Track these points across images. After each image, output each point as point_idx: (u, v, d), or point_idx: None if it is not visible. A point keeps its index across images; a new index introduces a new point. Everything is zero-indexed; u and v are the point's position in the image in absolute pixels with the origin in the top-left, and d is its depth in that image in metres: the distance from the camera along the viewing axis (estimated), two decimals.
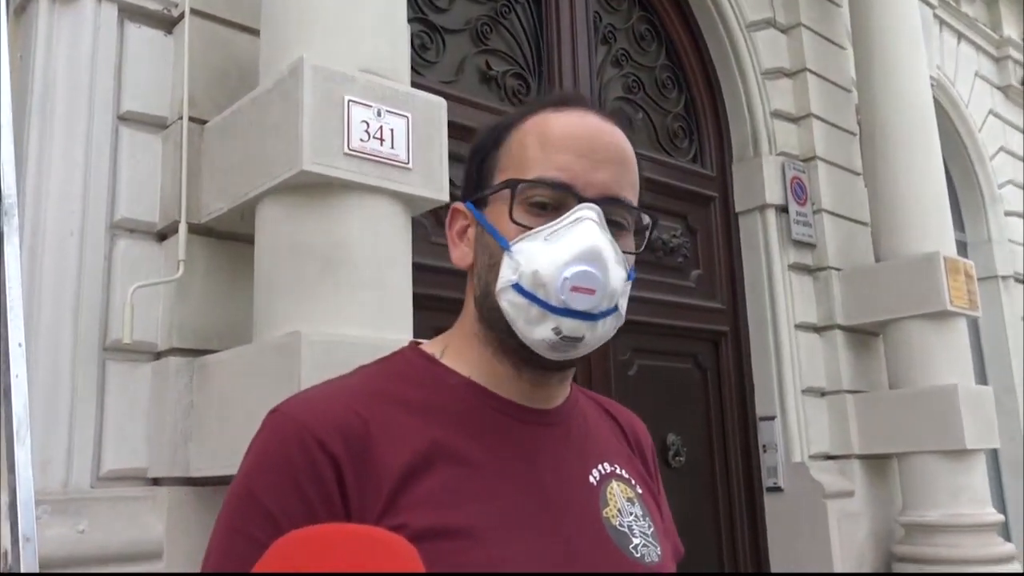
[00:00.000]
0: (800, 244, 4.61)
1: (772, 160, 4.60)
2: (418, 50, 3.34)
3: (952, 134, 6.36)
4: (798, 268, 4.61)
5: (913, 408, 4.32)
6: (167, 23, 2.56)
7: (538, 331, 0.85)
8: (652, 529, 0.94)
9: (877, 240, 4.74)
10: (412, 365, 0.93)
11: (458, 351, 0.94)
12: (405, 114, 2.21)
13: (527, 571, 0.80)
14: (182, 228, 2.34)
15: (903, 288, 4.42)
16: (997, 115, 7.07)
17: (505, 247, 0.87)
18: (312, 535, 0.65)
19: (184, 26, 2.48)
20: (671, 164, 4.39)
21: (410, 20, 2.64)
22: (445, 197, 2.29)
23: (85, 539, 2.10)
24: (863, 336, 4.72)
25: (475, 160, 0.97)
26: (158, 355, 2.38)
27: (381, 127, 2.15)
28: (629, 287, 0.91)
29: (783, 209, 4.57)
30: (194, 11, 2.50)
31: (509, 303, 0.86)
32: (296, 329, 1.98)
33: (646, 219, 0.93)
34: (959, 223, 6.29)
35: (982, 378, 6.08)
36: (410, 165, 2.19)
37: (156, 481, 2.31)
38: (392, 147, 2.16)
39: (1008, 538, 5.02)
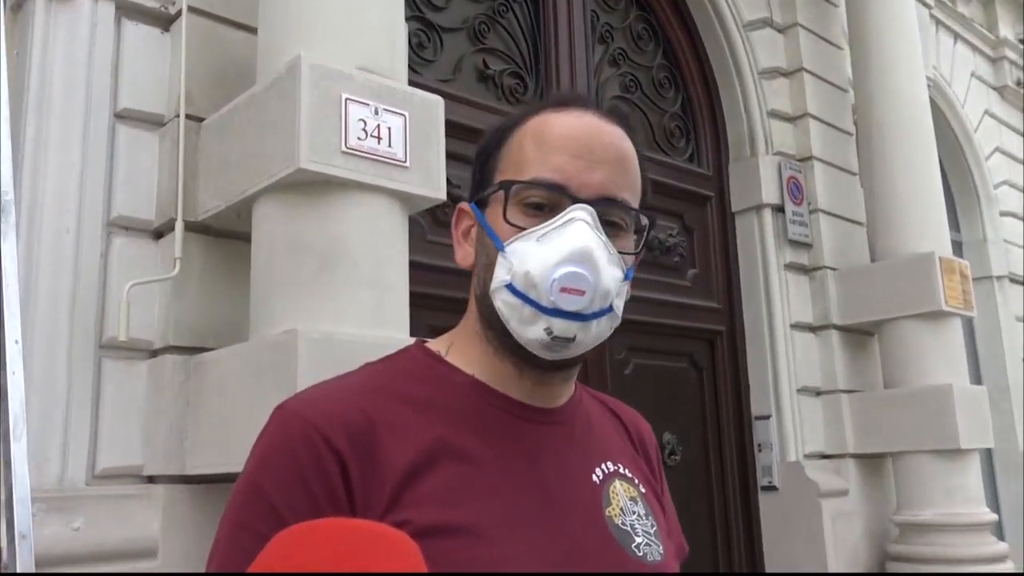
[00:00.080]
0: (796, 244, 4.62)
1: (768, 160, 4.61)
2: (415, 48, 3.34)
3: (948, 134, 6.37)
4: (794, 268, 4.62)
5: (908, 408, 4.33)
6: (164, 21, 2.55)
7: (531, 331, 0.86)
8: (655, 528, 0.94)
9: (873, 240, 4.75)
10: (417, 363, 0.94)
11: (462, 350, 0.94)
12: (403, 112, 2.21)
13: (529, 570, 0.80)
14: (178, 226, 2.34)
15: (898, 288, 4.43)
16: (993, 115, 7.08)
17: (500, 247, 0.88)
18: (312, 529, 0.65)
19: (181, 24, 2.48)
20: (668, 163, 4.39)
21: (407, 18, 2.65)
22: (442, 196, 2.29)
23: (80, 537, 2.10)
24: (858, 336, 4.74)
25: (479, 161, 0.98)
26: (154, 353, 2.37)
27: (378, 125, 2.15)
28: (627, 287, 0.91)
29: (779, 209, 4.58)
30: (191, 9, 2.50)
31: (503, 303, 0.87)
32: (293, 327, 1.98)
33: (644, 219, 0.93)
34: (954, 223, 6.31)
35: (977, 378, 6.09)
36: (407, 164, 2.19)
37: (151, 479, 2.31)
38: (389, 145, 2.16)
39: (1002, 537, 5.04)
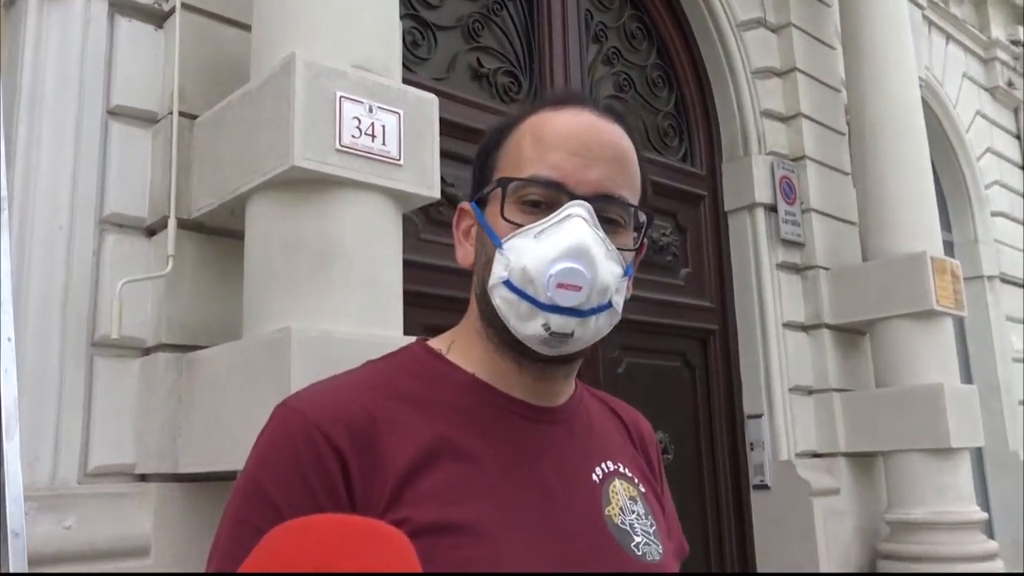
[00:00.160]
0: (789, 243, 4.63)
1: (761, 159, 4.62)
2: (409, 47, 3.34)
3: (940, 135, 6.40)
4: (786, 267, 4.63)
5: (899, 407, 4.35)
6: (157, 17, 2.54)
7: (529, 327, 0.86)
8: (654, 528, 0.94)
9: (865, 239, 4.77)
10: (419, 361, 0.94)
11: (464, 348, 0.94)
12: (397, 111, 2.21)
13: (528, 569, 0.80)
14: (171, 223, 2.33)
15: (890, 287, 4.45)
16: (984, 116, 7.12)
17: (497, 244, 0.88)
18: (306, 525, 0.65)
19: (175, 20, 2.47)
20: (661, 163, 4.40)
21: (402, 16, 2.64)
22: (436, 194, 2.29)
23: (72, 535, 2.09)
24: (850, 335, 4.75)
25: (479, 161, 0.98)
26: (146, 351, 2.37)
27: (373, 123, 2.15)
28: (626, 283, 0.91)
29: (772, 208, 4.59)
30: (184, 5, 2.49)
31: (501, 299, 0.87)
32: (286, 325, 1.98)
33: (642, 216, 0.93)
34: (946, 223, 6.33)
35: (967, 377, 6.13)
36: (401, 162, 2.19)
37: (144, 477, 2.30)
38: (384, 143, 2.16)
39: (992, 536, 5.06)
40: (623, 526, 0.90)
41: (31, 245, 2.22)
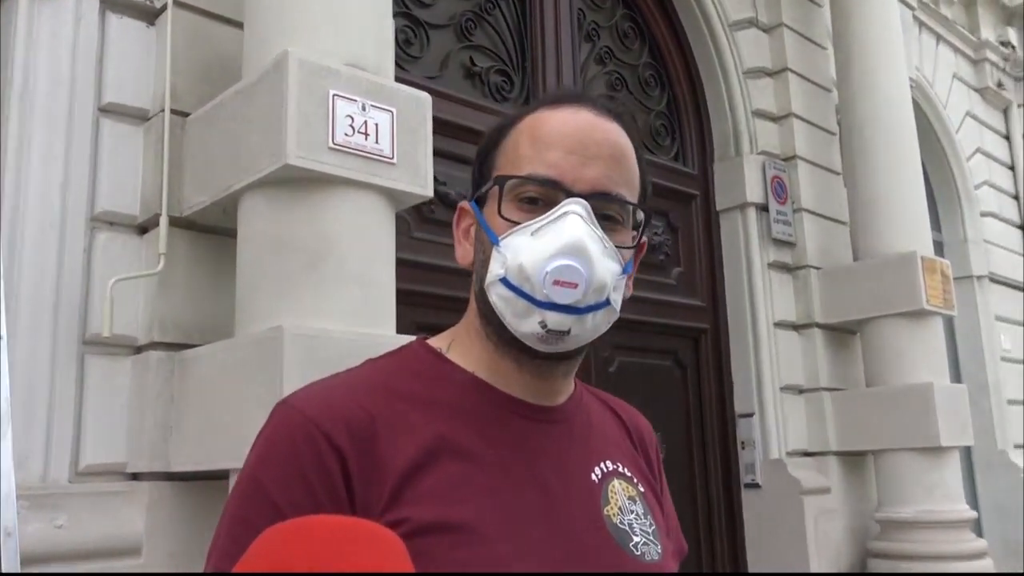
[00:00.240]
0: (780, 243, 4.65)
1: (753, 159, 4.64)
2: (402, 45, 3.34)
3: (930, 135, 6.43)
4: (778, 266, 4.64)
5: (889, 406, 4.37)
6: (149, 14, 2.53)
7: (525, 324, 0.86)
8: (653, 528, 0.94)
9: (855, 239, 4.79)
10: (419, 360, 0.94)
11: (463, 347, 0.94)
12: (390, 109, 2.21)
13: (527, 568, 0.80)
14: (163, 221, 2.32)
15: (881, 287, 4.47)
16: (974, 117, 7.15)
17: (494, 242, 0.88)
18: (299, 527, 0.65)
19: (166, 17, 2.46)
20: (653, 162, 4.40)
21: (394, 15, 2.64)
22: (429, 192, 2.29)
23: (63, 534, 2.09)
24: (841, 334, 4.77)
25: (478, 160, 0.98)
26: (138, 349, 2.36)
27: (366, 121, 2.15)
28: (625, 281, 0.91)
29: (763, 208, 4.61)
30: (176, 3, 2.48)
31: (498, 296, 0.87)
32: (279, 324, 1.97)
33: (640, 214, 0.93)
34: (935, 223, 6.36)
35: (957, 377, 6.15)
36: (394, 160, 2.19)
37: (135, 476, 2.30)
38: (376, 142, 2.16)
39: (980, 534, 5.09)
40: (622, 526, 0.90)
41: (22, 243, 2.21)
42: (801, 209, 4.76)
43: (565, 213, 0.85)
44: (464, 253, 0.97)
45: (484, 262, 0.90)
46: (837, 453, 4.57)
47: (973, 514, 4.37)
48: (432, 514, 0.78)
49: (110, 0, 2.47)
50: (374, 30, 2.31)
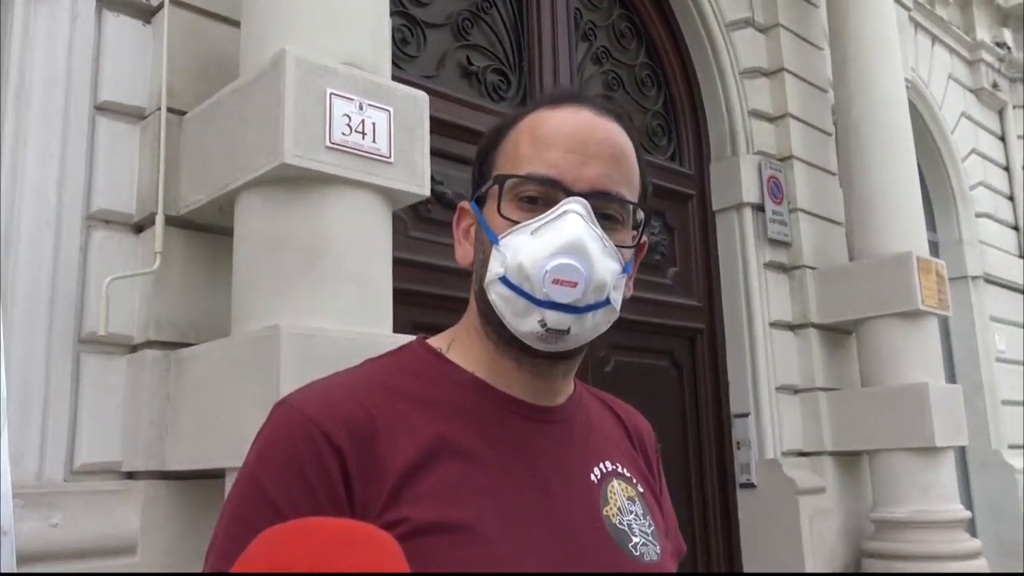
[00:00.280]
0: (776, 243, 4.65)
1: (749, 159, 4.64)
2: (399, 44, 3.33)
3: (925, 135, 6.44)
4: (773, 266, 4.65)
5: (884, 406, 4.38)
6: (146, 12, 2.53)
7: (525, 323, 0.86)
8: (652, 528, 0.94)
9: (851, 239, 4.80)
10: (419, 359, 0.94)
11: (463, 347, 0.94)
12: (387, 108, 2.20)
13: (526, 569, 0.80)
14: (159, 220, 2.32)
15: (876, 287, 4.48)
16: (969, 117, 7.17)
17: (494, 241, 0.88)
18: (295, 529, 0.65)
19: (163, 16, 2.45)
20: (649, 162, 4.39)
21: (391, 14, 2.64)
22: (426, 192, 2.29)
23: (58, 533, 2.08)
24: (837, 334, 4.78)
25: (478, 161, 0.98)
26: (134, 348, 2.35)
27: (363, 121, 2.14)
28: (625, 280, 0.91)
29: (759, 208, 4.61)
30: (173, 1, 2.47)
31: (498, 295, 0.87)
32: (275, 323, 1.97)
33: (640, 213, 0.93)
34: (931, 223, 6.38)
35: (951, 377, 6.17)
36: (391, 159, 2.19)
37: (131, 475, 2.29)
38: (374, 141, 2.16)
39: (974, 534, 5.11)
40: (621, 526, 0.90)
41: (17, 241, 2.21)
42: (797, 209, 4.76)
43: (565, 212, 0.85)
44: (464, 253, 0.97)
45: (484, 261, 0.90)
46: (832, 453, 4.58)
47: (967, 514, 4.39)
48: (432, 514, 0.78)
49: None
50: (372, 29, 2.31)
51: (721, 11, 4.75)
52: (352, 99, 2.14)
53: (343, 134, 2.10)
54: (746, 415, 4.43)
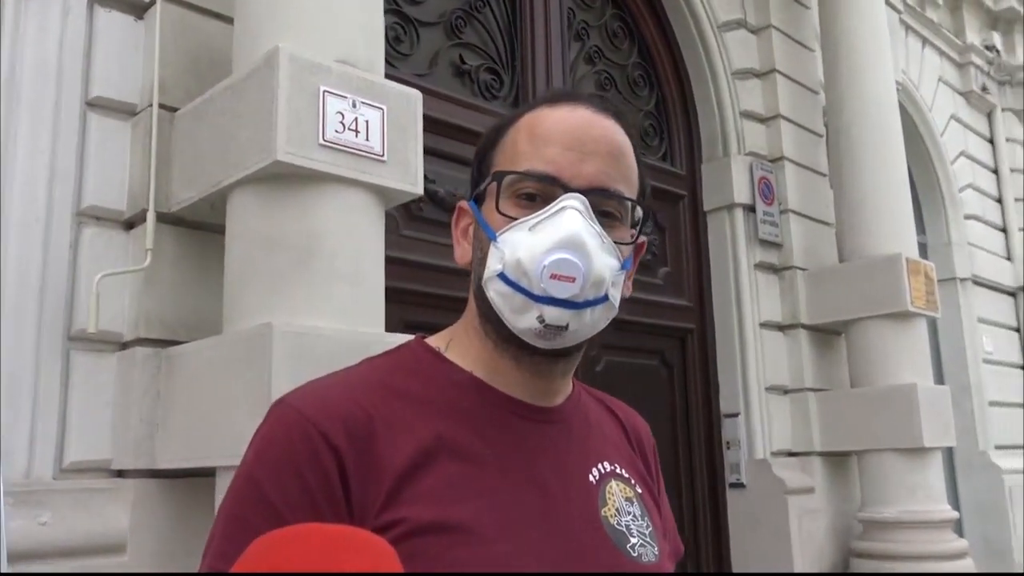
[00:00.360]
0: (766, 243, 4.67)
1: (741, 160, 4.65)
2: (391, 42, 3.32)
3: (915, 138, 6.47)
4: (764, 267, 4.66)
5: (873, 407, 4.40)
6: (138, 8, 2.51)
7: (523, 320, 0.86)
8: (650, 529, 0.94)
9: (841, 241, 4.82)
10: (418, 359, 0.93)
11: (462, 346, 0.94)
12: (380, 106, 2.20)
13: (525, 569, 0.80)
14: (150, 217, 2.30)
15: (866, 288, 4.50)
16: (959, 120, 7.20)
17: (492, 238, 0.88)
18: (289, 536, 0.65)
19: (155, 11, 2.44)
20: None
21: (384, 12, 2.63)
22: (419, 190, 2.28)
23: (47, 531, 2.07)
24: (826, 335, 4.80)
25: (477, 160, 0.98)
26: (124, 345, 2.34)
27: (356, 119, 2.14)
28: (624, 277, 0.91)
29: (750, 208, 4.62)
30: None
31: (496, 292, 0.87)
32: (267, 321, 1.96)
33: (639, 211, 0.93)
34: (920, 225, 6.40)
35: (939, 378, 6.20)
36: (385, 157, 2.18)
37: (120, 473, 2.28)
38: (367, 139, 2.15)
39: (961, 534, 5.14)
40: (619, 527, 0.90)
41: (7, 237, 2.19)
42: (788, 210, 4.78)
43: (563, 208, 0.85)
44: (463, 252, 0.96)
45: (482, 259, 0.90)
46: (821, 453, 4.60)
47: (955, 514, 4.41)
48: (430, 514, 0.78)
49: None
50: (366, 27, 2.30)
51: (713, 12, 4.76)
52: (346, 97, 2.13)
53: (336, 132, 2.09)
54: (736, 415, 4.45)
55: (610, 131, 0.92)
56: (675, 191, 4.63)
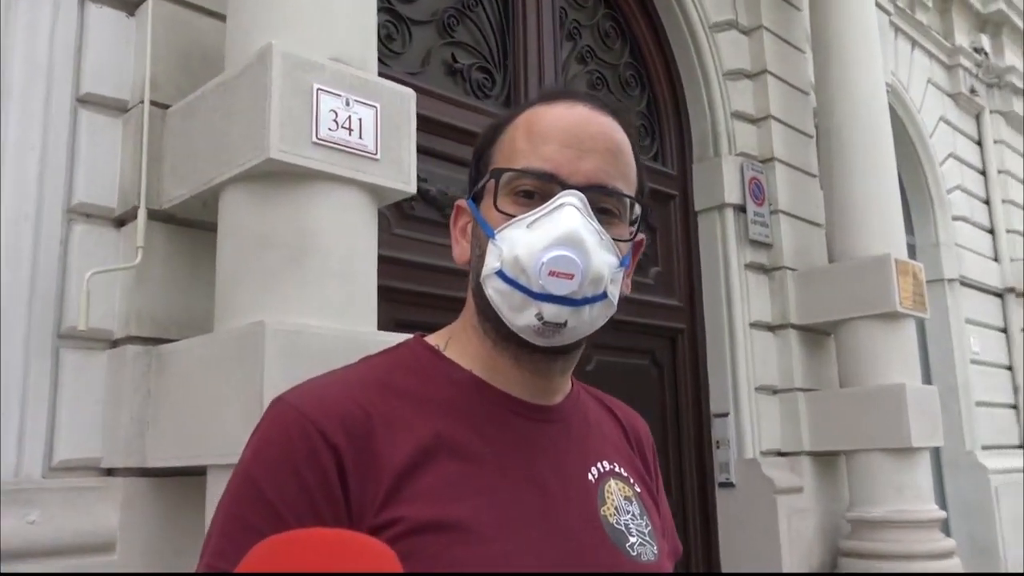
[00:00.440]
0: (757, 244, 4.68)
1: (731, 160, 4.67)
2: (384, 40, 3.32)
3: (904, 139, 6.50)
4: (754, 267, 4.68)
5: (862, 407, 4.42)
6: (129, 4, 2.50)
7: (522, 317, 0.86)
8: (649, 528, 0.94)
9: (831, 241, 4.84)
10: (416, 357, 0.93)
11: (460, 344, 0.94)
12: (374, 104, 2.19)
13: (524, 568, 0.80)
14: (141, 214, 2.29)
15: (855, 289, 4.52)
16: (947, 122, 7.24)
17: (490, 235, 0.88)
18: (291, 540, 0.65)
19: (147, 7, 2.42)
20: None
21: (377, 10, 2.62)
22: (412, 189, 2.28)
23: (36, 530, 2.06)
24: (816, 335, 4.82)
25: (475, 159, 0.98)
26: (114, 343, 2.33)
27: (349, 117, 2.13)
28: (622, 274, 0.91)
29: (741, 209, 4.64)
30: None
31: (494, 290, 0.87)
32: (259, 319, 1.95)
33: (637, 208, 0.93)
34: (908, 226, 6.43)
35: (927, 378, 6.24)
36: (378, 156, 2.18)
37: (110, 472, 2.27)
38: (360, 137, 2.14)
39: (948, 534, 5.17)
40: (618, 526, 0.90)
41: None
42: (778, 211, 4.80)
43: (561, 205, 0.85)
44: (461, 251, 0.96)
45: (480, 257, 0.90)
46: (810, 453, 4.61)
47: (942, 514, 4.44)
48: (429, 513, 0.78)
49: None
50: (359, 25, 2.30)
51: (705, 12, 4.77)
52: (339, 95, 2.12)
53: (330, 130, 2.09)
54: (725, 415, 4.46)
55: (608, 128, 0.92)
56: (666, 191, 4.64)
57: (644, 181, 0.97)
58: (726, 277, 4.57)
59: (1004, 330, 7.42)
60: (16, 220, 2.21)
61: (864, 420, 4.40)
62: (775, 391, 4.64)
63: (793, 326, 4.71)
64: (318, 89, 2.09)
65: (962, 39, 7.53)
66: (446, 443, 0.83)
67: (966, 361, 6.63)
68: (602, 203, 0.88)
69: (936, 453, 6.00)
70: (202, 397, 2.08)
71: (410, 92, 2.32)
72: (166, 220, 2.37)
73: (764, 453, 4.47)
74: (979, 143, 7.74)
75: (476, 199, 0.94)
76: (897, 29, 6.72)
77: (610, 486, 0.93)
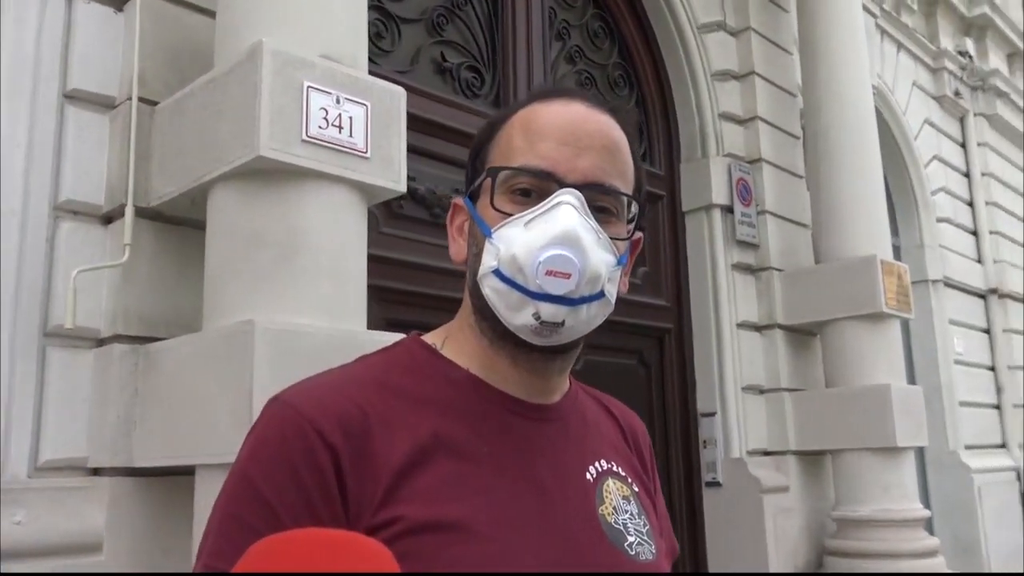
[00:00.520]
0: (744, 244, 4.70)
1: (719, 161, 4.68)
2: (373, 39, 3.30)
3: (889, 141, 6.54)
4: (741, 268, 4.70)
5: (848, 407, 4.45)
6: (118, 0, 2.48)
7: (519, 317, 0.85)
8: (647, 527, 0.94)
9: (817, 242, 4.87)
10: (413, 356, 0.93)
11: (457, 343, 0.94)
12: (364, 102, 2.19)
13: (522, 568, 0.80)
14: (129, 211, 2.27)
15: (841, 290, 4.55)
16: (932, 124, 7.30)
17: (487, 234, 0.88)
18: (286, 540, 0.65)
19: (135, 3, 2.40)
20: None
21: (367, 8, 2.62)
22: (402, 188, 2.27)
23: (21, 531, 2.04)
24: (802, 336, 4.84)
25: (471, 157, 0.97)
26: (101, 341, 2.31)
27: (340, 115, 2.12)
28: (619, 273, 0.91)
29: (728, 209, 4.65)
30: None
31: (491, 289, 0.87)
32: (249, 317, 1.94)
33: (635, 206, 0.93)
34: (893, 228, 6.47)
35: (912, 378, 6.28)
36: (368, 154, 2.17)
37: (96, 471, 2.25)
38: (351, 135, 2.13)
39: (932, 533, 5.21)
40: (616, 525, 0.90)
41: None
42: (765, 211, 4.82)
43: (558, 203, 0.85)
44: (458, 250, 0.96)
45: (477, 255, 0.89)
46: (796, 453, 4.64)
47: (927, 513, 4.47)
48: (427, 513, 0.78)
49: None
50: (350, 22, 2.29)
51: (693, 13, 4.79)
52: (329, 93, 2.11)
53: (320, 128, 2.08)
54: (712, 414, 4.47)
55: (605, 126, 0.91)
56: (654, 191, 4.64)
57: (642, 179, 0.96)
58: (713, 277, 4.59)
59: (987, 331, 7.48)
60: (2, 217, 2.19)
61: (850, 420, 4.42)
62: (762, 391, 4.66)
63: (779, 326, 4.73)
64: (308, 87, 2.08)
65: (947, 42, 7.59)
66: (444, 442, 0.83)
67: (950, 361, 6.68)
68: (599, 201, 0.88)
69: (920, 452, 6.04)
70: (190, 396, 2.07)
71: (401, 91, 2.31)
72: (154, 218, 2.35)
73: (750, 452, 4.49)
74: (963, 145, 7.81)
75: (473, 197, 0.94)
76: (883, 32, 6.76)
77: (608, 485, 0.93)
